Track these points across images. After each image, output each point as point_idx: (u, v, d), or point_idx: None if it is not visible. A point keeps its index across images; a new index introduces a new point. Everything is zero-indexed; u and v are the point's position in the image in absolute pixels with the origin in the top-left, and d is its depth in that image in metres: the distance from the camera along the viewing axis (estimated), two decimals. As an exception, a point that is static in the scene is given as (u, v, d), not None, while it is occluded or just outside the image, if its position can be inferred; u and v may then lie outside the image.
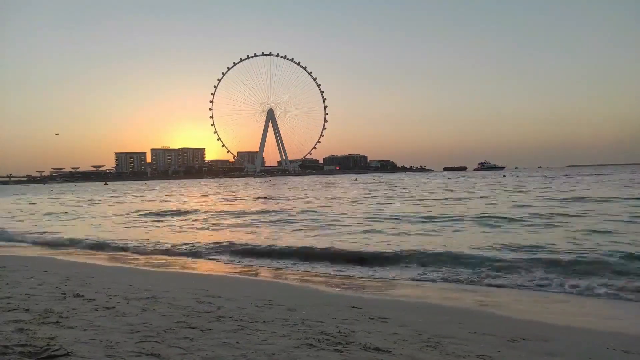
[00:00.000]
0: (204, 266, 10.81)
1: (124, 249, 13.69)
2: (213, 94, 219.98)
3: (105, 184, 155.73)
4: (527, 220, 16.72)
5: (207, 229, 18.51)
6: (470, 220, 17.37)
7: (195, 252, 12.53)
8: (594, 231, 13.54)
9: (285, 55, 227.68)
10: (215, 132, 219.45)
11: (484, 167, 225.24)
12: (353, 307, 6.12)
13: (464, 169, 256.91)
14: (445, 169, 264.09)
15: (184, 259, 11.88)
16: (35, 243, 15.60)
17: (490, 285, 8.28)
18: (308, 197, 39.16)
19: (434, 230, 15.13)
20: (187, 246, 13.37)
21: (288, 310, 5.66)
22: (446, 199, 30.06)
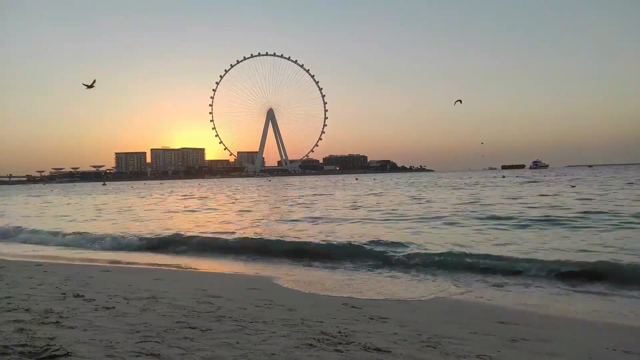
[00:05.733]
0: (204, 266, 10.81)
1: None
2: (214, 91, 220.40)
3: (104, 184, 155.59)
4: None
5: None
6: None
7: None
8: None
9: (289, 57, 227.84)
10: (214, 130, 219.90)
11: (537, 165, 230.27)
12: (353, 307, 6.12)
13: (522, 167, 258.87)
14: (504, 167, 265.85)
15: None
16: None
17: (490, 285, 8.28)
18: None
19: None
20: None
21: (288, 310, 5.66)
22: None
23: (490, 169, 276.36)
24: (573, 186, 41.50)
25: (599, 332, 5.37)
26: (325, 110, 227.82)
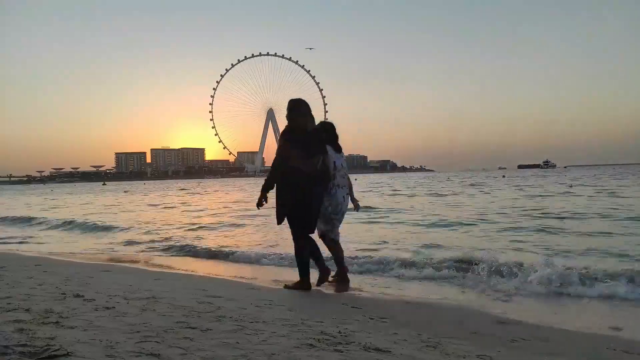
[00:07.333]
0: (203, 266, 10.81)
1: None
2: (214, 90, 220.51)
3: (104, 184, 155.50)
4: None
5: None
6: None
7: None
8: None
9: (290, 57, 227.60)
10: (214, 130, 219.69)
11: (548, 165, 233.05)
12: (353, 307, 6.12)
13: (538, 166, 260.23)
14: (520, 167, 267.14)
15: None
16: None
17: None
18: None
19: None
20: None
21: (288, 310, 5.66)
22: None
23: (500, 168, 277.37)
24: (570, 186, 41.37)
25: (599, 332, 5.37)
26: (326, 111, 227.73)
